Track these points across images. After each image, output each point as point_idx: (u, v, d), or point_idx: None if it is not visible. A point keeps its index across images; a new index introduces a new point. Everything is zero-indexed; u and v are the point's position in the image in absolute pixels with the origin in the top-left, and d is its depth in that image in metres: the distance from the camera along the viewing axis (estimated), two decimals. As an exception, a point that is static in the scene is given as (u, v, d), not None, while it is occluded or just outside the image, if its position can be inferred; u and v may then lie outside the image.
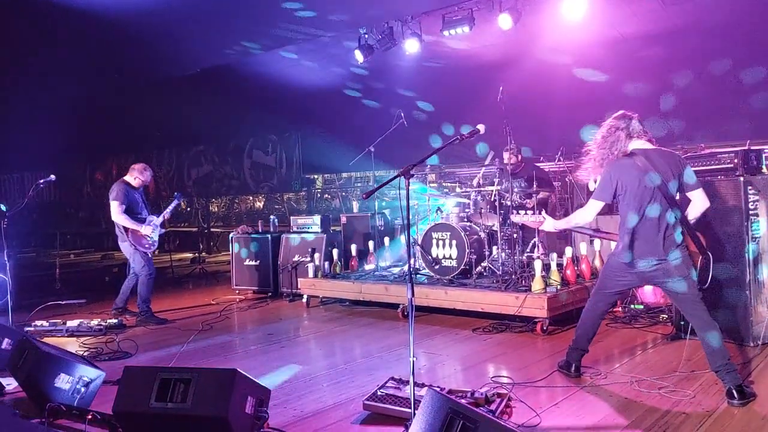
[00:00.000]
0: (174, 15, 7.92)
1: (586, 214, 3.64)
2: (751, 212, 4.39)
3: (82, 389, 3.55)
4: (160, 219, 6.44)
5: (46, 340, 4.96)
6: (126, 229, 6.18)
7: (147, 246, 6.26)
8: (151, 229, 6.28)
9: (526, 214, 4.11)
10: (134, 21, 8.04)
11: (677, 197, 3.51)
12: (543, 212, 4.04)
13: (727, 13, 7.22)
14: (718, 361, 3.39)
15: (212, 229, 14.95)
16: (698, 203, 3.55)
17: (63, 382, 3.50)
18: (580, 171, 3.74)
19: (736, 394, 3.28)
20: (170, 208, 6.66)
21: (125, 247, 6.25)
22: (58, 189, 20.70)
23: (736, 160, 4.46)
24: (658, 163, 3.46)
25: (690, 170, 3.55)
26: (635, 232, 3.49)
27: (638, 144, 3.54)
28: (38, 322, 5.83)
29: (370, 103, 11.15)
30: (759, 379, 3.73)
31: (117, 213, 6.16)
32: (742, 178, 4.41)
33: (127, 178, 6.39)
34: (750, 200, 4.39)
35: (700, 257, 3.53)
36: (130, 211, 6.23)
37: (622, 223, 3.56)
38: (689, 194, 3.54)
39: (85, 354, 4.78)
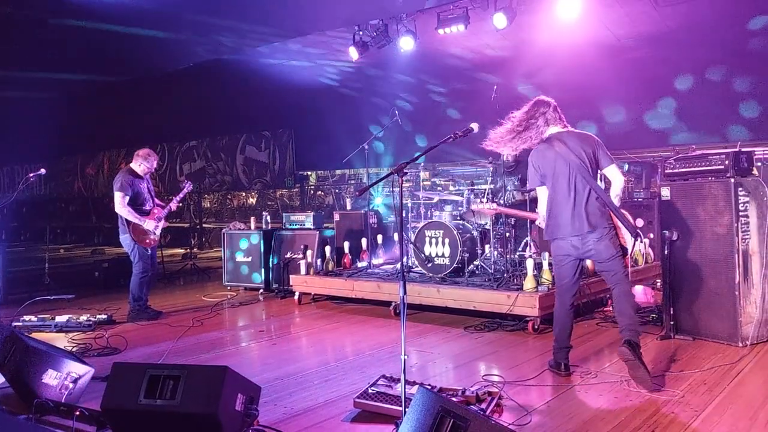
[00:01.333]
0: (167, 9, 7.87)
1: (540, 203, 3.93)
2: (741, 213, 4.42)
3: (71, 385, 3.52)
4: (166, 211, 6.26)
5: (35, 335, 4.92)
6: (128, 222, 6.01)
7: (147, 242, 6.11)
8: (154, 224, 6.11)
9: (481, 202, 4.27)
10: (127, 15, 7.98)
11: (596, 177, 3.76)
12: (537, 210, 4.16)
13: (719, 15, 7.26)
14: (626, 323, 3.62)
15: (204, 225, 14.89)
16: (615, 179, 3.77)
17: (51, 378, 3.47)
18: (486, 141, 3.90)
19: (628, 347, 3.51)
20: (180, 196, 6.51)
21: (125, 239, 6.07)
22: (49, 183, 20.57)
23: (726, 162, 4.49)
24: (572, 144, 3.74)
25: (603, 148, 3.79)
26: (558, 210, 3.76)
27: (554, 130, 3.83)
28: (26, 318, 5.78)
29: (364, 100, 11.14)
30: (747, 380, 3.75)
31: (120, 205, 5.95)
32: (732, 180, 4.43)
33: (132, 165, 6.18)
34: (740, 201, 4.42)
35: (632, 238, 3.73)
36: (134, 203, 6.03)
37: (547, 205, 3.84)
38: (604, 171, 3.79)
39: (74, 350, 4.75)
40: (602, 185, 4.04)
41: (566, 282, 3.89)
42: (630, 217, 3.79)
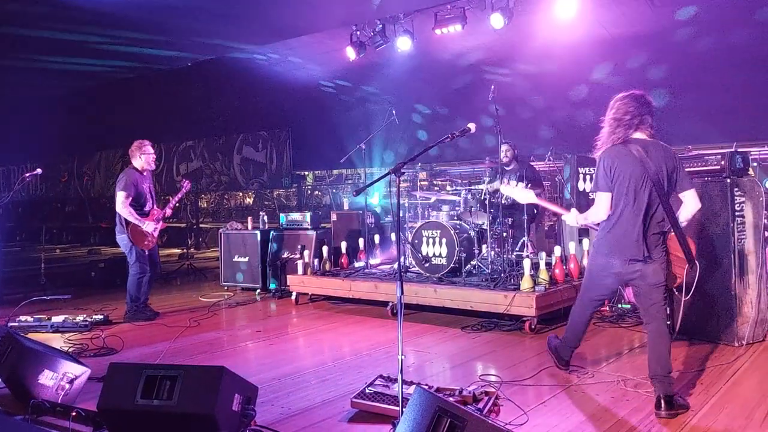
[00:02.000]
0: (164, 9, 7.86)
1: (598, 210, 3.41)
2: (737, 214, 4.43)
3: (67, 386, 3.51)
4: (164, 212, 6.21)
5: (31, 335, 4.91)
6: (127, 223, 5.96)
7: (146, 244, 6.06)
8: (153, 226, 6.07)
9: (517, 185, 3.91)
10: (123, 15, 7.96)
11: (669, 194, 3.34)
12: (572, 208, 3.78)
13: (715, 14, 7.28)
14: (659, 370, 3.27)
15: (201, 225, 14.86)
16: (690, 205, 3.38)
17: (47, 378, 3.46)
18: (595, 151, 3.50)
19: (663, 404, 3.18)
20: (178, 196, 6.47)
21: (122, 240, 6.02)
22: (45, 183, 20.50)
23: (722, 162, 4.50)
24: (654, 155, 3.29)
25: (684, 169, 3.40)
26: (622, 227, 3.33)
27: (638, 134, 3.37)
28: (23, 318, 5.75)
29: (362, 100, 11.14)
30: (743, 379, 3.77)
31: (122, 205, 5.89)
32: (728, 180, 4.45)
33: (133, 162, 6.13)
34: (736, 202, 4.44)
35: (687, 265, 3.34)
36: (136, 203, 5.98)
37: (611, 216, 3.38)
38: (681, 195, 3.38)
39: (70, 350, 4.73)
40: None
41: (596, 296, 3.64)
42: (692, 244, 3.37)
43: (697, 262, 3.41)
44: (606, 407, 3.36)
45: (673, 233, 3.34)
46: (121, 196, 5.91)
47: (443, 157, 10.42)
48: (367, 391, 3.39)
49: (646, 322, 3.46)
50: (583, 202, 6.03)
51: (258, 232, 7.73)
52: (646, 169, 3.27)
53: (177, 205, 6.45)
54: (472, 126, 3.34)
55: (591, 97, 8.53)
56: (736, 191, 4.44)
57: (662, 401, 3.19)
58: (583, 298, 3.74)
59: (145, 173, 6.16)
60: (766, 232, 4.61)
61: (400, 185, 3.02)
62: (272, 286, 7.46)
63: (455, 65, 9.46)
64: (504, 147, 6.32)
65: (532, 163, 7.86)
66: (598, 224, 3.51)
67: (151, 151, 6.19)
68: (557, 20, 7.25)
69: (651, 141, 3.38)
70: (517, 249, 6.09)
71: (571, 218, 3.65)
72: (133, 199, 5.95)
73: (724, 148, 5.74)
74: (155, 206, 6.23)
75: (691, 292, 3.39)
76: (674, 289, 3.46)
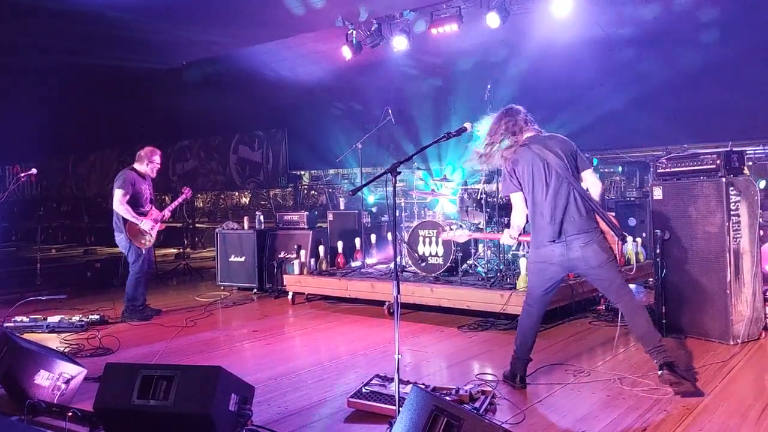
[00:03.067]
0: (158, 8, 7.84)
1: (516, 210, 3.67)
2: (732, 213, 4.45)
3: (63, 386, 3.50)
4: (163, 214, 6.19)
5: (27, 336, 4.89)
6: (124, 221, 5.92)
7: (143, 242, 6.04)
8: (150, 225, 6.04)
9: (451, 230, 4.11)
10: (118, 14, 7.94)
11: (576, 176, 3.55)
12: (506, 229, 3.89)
13: (711, 13, 7.30)
14: (649, 344, 3.46)
15: (197, 225, 14.83)
16: (593, 185, 3.62)
17: (43, 378, 3.45)
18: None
19: (665, 369, 3.39)
20: (177, 202, 6.46)
21: (120, 240, 6.00)
22: (40, 183, 20.42)
23: (718, 161, 4.51)
24: (550, 144, 3.55)
25: (581, 154, 3.63)
26: (538, 216, 3.53)
27: (529, 134, 3.62)
28: (18, 318, 5.74)
29: (357, 99, 11.13)
30: (738, 377, 3.78)
31: (119, 202, 5.87)
32: (724, 179, 4.46)
33: (136, 165, 6.10)
34: (732, 201, 4.45)
35: (617, 239, 3.52)
36: (134, 203, 5.96)
37: (529, 212, 3.60)
38: (582, 174, 3.60)
39: (66, 350, 4.73)
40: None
41: (540, 291, 3.65)
42: (614, 220, 3.60)
43: (626, 234, 3.62)
44: (602, 406, 3.37)
45: (594, 211, 3.53)
46: (118, 194, 5.89)
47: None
48: (363, 390, 3.39)
49: (614, 302, 3.64)
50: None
51: (254, 232, 7.72)
52: (544, 158, 3.50)
53: (176, 208, 6.44)
54: (468, 125, 3.36)
55: (587, 96, 8.55)
56: (732, 190, 4.46)
57: (663, 368, 3.39)
58: (529, 298, 3.73)
59: (145, 177, 6.15)
60: (761, 231, 4.63)
61: (396, 185, 3.02)
62: (268, 286, 7.45)
63: (451, 64, 9.47)
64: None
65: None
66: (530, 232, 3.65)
67: (159, 162, 6.23)
68: (553, 19, 7.26)
69: (546, 135, 3.66)
70: (512, 248, 6.10)
71: (505, 237, 3.78)
72: (130, 197, 5.93)
73: (719, 147, 5.77)
74: (153, 208, 6.22)
75: (634, 268, 3.74)
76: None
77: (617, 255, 3.58)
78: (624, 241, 3.58)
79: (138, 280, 6.07)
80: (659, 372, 3.45)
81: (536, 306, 3.70)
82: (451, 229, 4.11)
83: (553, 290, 3.67)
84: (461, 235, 4.15)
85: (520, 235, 3.75)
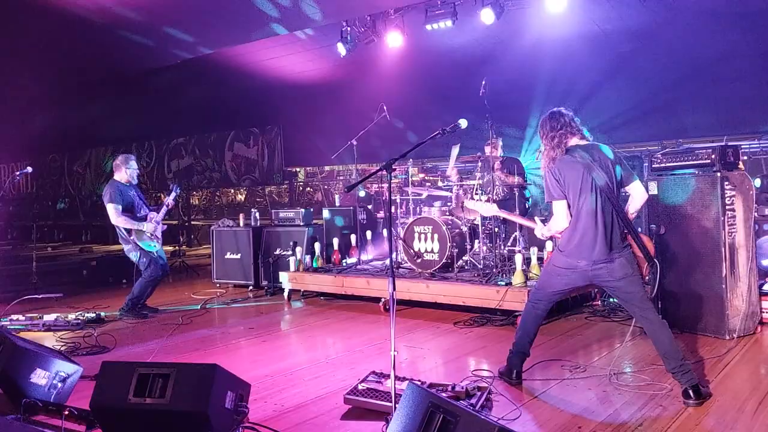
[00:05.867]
0: (154, 6, 7.80)
1: (558, 218, 3.48)
2: (727, 207, 4.46)
3: (59, 384, 3.49)
4: (161, 215, 6.18)
5: (23, 334, 4.86)
6: (128, 231, 5.95)
7: (150, 237, 6.03)
8: (153, 227, 6.05)
9: (479, 199, 3.92)
10: (114, 11, 7.90)
11: (618, 193, 3.44)
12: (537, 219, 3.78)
13: (704, 7, 7.31)
14: (672, 362, 3.31)
15: (193, 222, 14.81)
16: (637, 196, 3.51)
17: (39, 377, 3.44)
18: (542, 168, 3.63)
19: (692, 394, 3.24)
20: (167, 202, 6.39)
21: (129, 250, 6.02)
22: (36, 181, 20.35)
23: (713, 156, 4.53)
24: (597, 156, 3.43)
25: (626, 163, 3.52)
26: (581, 231, 3.39)
27: (575, 140, 3.50)
28: (14, 317, 5.73)
29: (352, 96, 11.10)
30: (734, 372, 3.80)
31: (115, 216, 5.89)
32: (718, 174, 4.47)
33: (116, 176, 6.12)
34: (726, 195, 4.46)
35: (646, 264, 3.41)
36: (129, 211, 5.98)
37: (571, 222, 3.44)
38: (628, 188, 3.50)
39: (63, 349, 4.72)
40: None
41: (551, 291, 3.60)
42: (649, 243, 3.45)
43: (656, 260, 3.48)
44: (598, 401, 3.38)
45: (627, 233, 3.41)
46: (111, 208, 5.90)
47: (435, 153, 10.42)
48: (359, 387, 3.39)
49: (637, 319, 3.47)
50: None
51: (250, 229, 7.70)
52: (592, 171, 3.37)
53: (171, 207, 6.42)
54: (463, 122, 3.35)
55: (582, 91, 8.56)
56: (727, 185, 4.47)
57: (690, 391, 3.24)
58: (538, 293, 3.67)
59: (129, 184, 6.15)
60: (756, 226, 4.64)
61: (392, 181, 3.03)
62: (264, 283, 7.44)
63: (446, 60, 9.46)
64: (487, 148, 6.31)
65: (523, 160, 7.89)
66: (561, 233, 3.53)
67: (136, 166, 6.22)
68: (548, 15, 7.26)
69: (590, 144, 3.51)
70: (508, 244, 6.11)
71: (538, 230, 3.65)
72: (124, 208, 5.94)
73: (714, 141, 5.79)
74: (149, 210, 6.21)
75: (655, 290, 3.48)
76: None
77: (643, 274, 3.44)
78: (652, 265, 3.43)
79: (149, 283, 6.08)
80: (684, 398, 3.27)
81: (544, 302, 3.66)
82: (479, 199, 3.90)
83: (566, 294, 3.57)
84: (487, 210, 3.95)
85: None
